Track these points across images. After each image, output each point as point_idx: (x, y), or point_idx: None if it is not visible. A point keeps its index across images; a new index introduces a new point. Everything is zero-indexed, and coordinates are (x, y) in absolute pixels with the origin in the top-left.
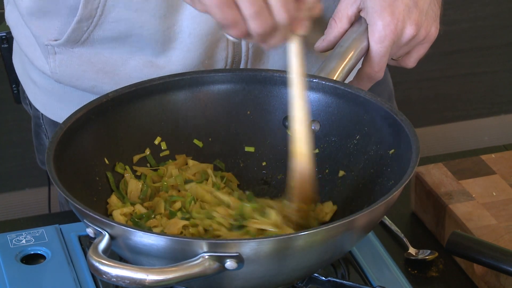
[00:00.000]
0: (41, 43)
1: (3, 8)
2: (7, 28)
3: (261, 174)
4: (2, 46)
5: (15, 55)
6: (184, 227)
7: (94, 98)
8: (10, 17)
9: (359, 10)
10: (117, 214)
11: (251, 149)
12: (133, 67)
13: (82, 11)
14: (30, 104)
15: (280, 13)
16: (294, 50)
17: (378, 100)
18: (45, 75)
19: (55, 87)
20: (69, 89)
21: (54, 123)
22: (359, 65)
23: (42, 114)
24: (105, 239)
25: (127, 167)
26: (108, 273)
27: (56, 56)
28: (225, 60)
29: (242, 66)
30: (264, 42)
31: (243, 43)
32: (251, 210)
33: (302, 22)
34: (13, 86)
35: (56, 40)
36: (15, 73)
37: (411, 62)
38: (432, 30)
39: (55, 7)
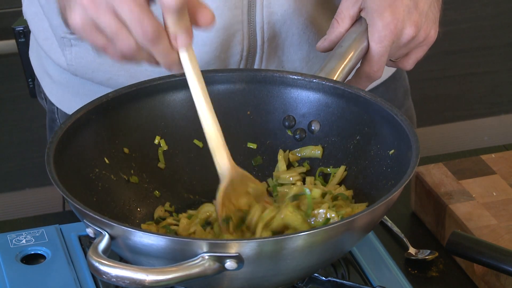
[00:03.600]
0: (58, 35)
1: (20, 5)
2: (24, 22)
3: (263, 175)
4: (19, 40)
5: (32, 49)
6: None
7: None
8: (28, 11)
9: (360, 10)
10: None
11: (253, 145)
12: None
13: None
14: (46, 98)
15: (136, 31)
16: (185, 60)
17: (378, 100)
18: (61, 69)
19: (70, 81)
20: (85, 82)
21: None
22: (359, 65)
23: (57, 108)
24: (105, 239)
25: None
26: (108, 273)
27: (72, 48)
28: (240, 53)
29: (257, 59)
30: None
31: (258, 36)
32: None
33: (180, 36)
34: (29, 80)
35: (73, 33)
36: (31, 67)
37: (409, 64)
38: (431, 32)
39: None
